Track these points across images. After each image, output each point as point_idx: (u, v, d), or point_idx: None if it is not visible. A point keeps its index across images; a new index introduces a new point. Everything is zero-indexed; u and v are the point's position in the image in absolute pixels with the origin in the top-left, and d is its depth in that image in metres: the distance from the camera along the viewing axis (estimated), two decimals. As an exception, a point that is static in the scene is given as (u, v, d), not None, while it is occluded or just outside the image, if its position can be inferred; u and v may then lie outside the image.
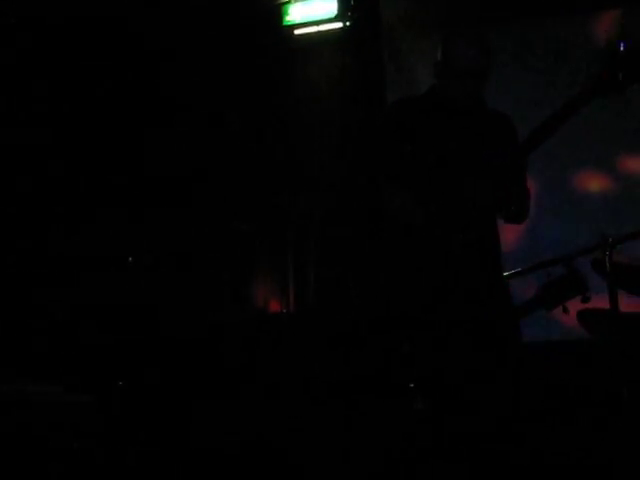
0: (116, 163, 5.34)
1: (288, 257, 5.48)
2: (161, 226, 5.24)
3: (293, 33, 5.67)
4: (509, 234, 3.74)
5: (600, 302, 3.87)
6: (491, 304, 3.14)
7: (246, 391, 4.57)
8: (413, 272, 3.16)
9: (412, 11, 5.45)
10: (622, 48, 2.88)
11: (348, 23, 5.49)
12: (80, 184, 5.25)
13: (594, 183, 5.04)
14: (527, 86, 5.07)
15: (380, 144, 3.33)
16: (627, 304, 3.81)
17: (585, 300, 3.96)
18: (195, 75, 5.57)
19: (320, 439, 4.34)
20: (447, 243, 3.08)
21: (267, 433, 4.36)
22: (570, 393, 3.93)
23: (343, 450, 4.17)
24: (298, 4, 5.60)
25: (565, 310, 3.98)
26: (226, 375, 4.64)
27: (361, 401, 4.46)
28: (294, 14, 5.63)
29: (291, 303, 5.37)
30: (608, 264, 3.67)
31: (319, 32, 5.63)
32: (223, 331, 4.84)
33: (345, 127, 5.52)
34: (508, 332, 3.17)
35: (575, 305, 3.99)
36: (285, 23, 5.66)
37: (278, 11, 5.65)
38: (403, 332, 3.28)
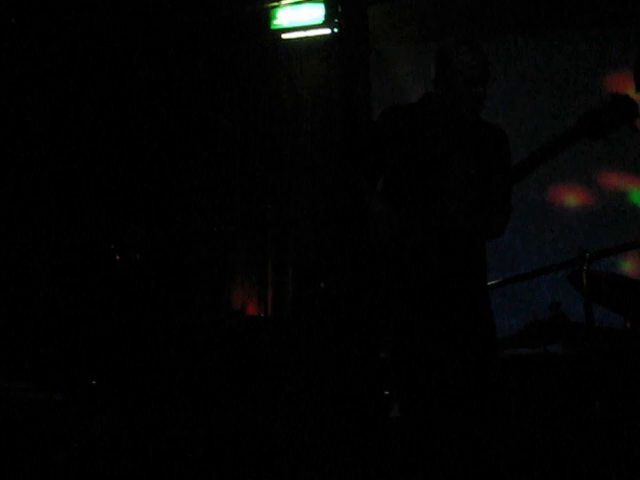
0: (99, 162, 5.32)
1: (267, 260, 5.48)
2: (141, 226, 5.22)
3: (280, 37, 5.67)
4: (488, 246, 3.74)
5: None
6: (468, 315, 3.16)
7: (222, 393, 4.57)
8: (390, 279, 3.17)
9: (399, 20, 5.47)
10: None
11: (335, 30, 5.50)
12: (60, 183, 5.23)
13: (572, 197, 5.08)
14: (510, 101, 5.10)
15: (368, 150, 3.35)
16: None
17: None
18: (181, 77, 5.57)
19: (296, 441, 4.35)
20: (423, 254, 3.11)
21: (243, 434, 4.37)
22: (544, 405, 3.96)
23: (318, 453, 4.19)
24: (286, 9, 5.61)
25: (546, 351, 4.00)
26: (203, 377, 4.63)
27: (337, 406, 4.48)
28: (282, 18, 5.63)
29: (269, 306, 5.37)
30: (585, 279, 3.69)
31: (306, 37, 5.63)
32: (200, 333, 4.83)
33: (329, 132, 5.54)
34: (485, 343, 3.19)
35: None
36: (273, 27, 5.66)
37: (266, 15, 5.65)
38: (380, 339, 3.29)
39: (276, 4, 5.61)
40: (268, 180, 5.60)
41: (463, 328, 3.14)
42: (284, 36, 5.67)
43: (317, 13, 5.52)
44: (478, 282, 3.24)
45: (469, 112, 3.15)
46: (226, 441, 4.33)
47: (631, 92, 3.11)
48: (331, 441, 4.32)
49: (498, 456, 3.14)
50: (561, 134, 3.01)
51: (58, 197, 5.17)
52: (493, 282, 3.97)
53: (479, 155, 3.17)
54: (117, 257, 4.94)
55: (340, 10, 5.45)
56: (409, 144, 3.21)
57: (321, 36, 5.59)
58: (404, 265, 3.14)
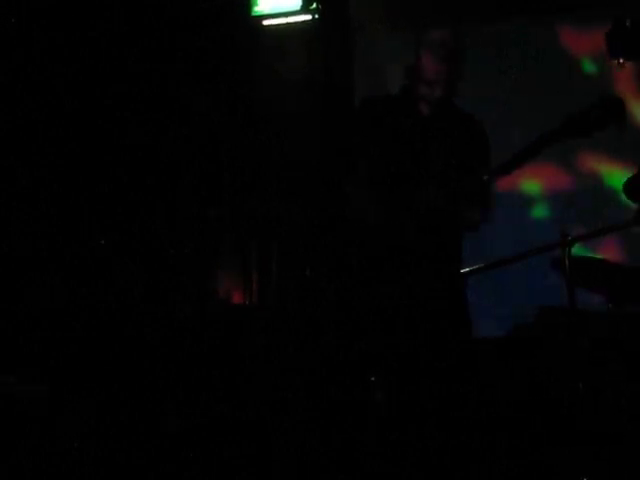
0: (82, 153, 5.30)
1: (252, 248, 5.48)
2: (124, 214, 5.22)
3: (261, 24, 5.65)
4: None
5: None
6: (443, 303, 3.18)
7: (207, 382, 4.58)
8: (367, 268, 3.19)
9: (383, 7, 5.46)
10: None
11: (316, 16, 5.49)
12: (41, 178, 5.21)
13: (553, 180, 5.09)
14: (499, 87, 5.10)
15: (345, 142, 3.36)
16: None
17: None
18: (161, 66, 5.55)
19: (283, 431, 4.37)
20: (399, 242, 3.12)
21: (229, 424, 4.39)
22: (528, 388, 3.99)
23: (304, 442, 4.21)
24: (267, -5, 5.60)
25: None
26: (187, 366, 4.64)
27: (323, 393, 4.49)
28: (263, 5, 5.61)
29: (254, 294, 5.38)
30: (567, 262, 3.72)
31: (288, 24, 5.62)
32: (184, 322, 4.83)
33: (312, 121, 5.53)
34: (459, 328, 3.21)
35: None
36: (254, 13, 5.65)
37: (247, 1, 5.63)
38: (361, 326, 3.32)
39: (257, -10, 5.60)
40: (251, 167, 5.60)
41: (439, 317, 3.16)
42: (265, 22, 5.65)
43: (296, -1, 5.53)
44: (454, 270, 3.27)
45: (430, 110, 3.17)
46: (214, 430, 4.35)
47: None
48: (319, 428, 4.34)
49: (480, 438, 3.18)
50: (547, 134, 3.03)
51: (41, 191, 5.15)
52: (474, 268, 3.99)
53: (456, 146, 3.19)
54: (100, 248, 4.93)
55: (318, -5, 5.46)
56: (388, 135, 3.23)
57: (302, 22, 5.58)
58: (384, 255, 3.16)
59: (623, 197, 3.68)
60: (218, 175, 5.56)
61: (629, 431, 3.67)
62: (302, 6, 5.49)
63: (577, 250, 3.71)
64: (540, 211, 4.98)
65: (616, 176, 4.70)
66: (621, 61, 3.10)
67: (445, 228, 3.20)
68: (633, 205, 3.77)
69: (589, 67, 5.15)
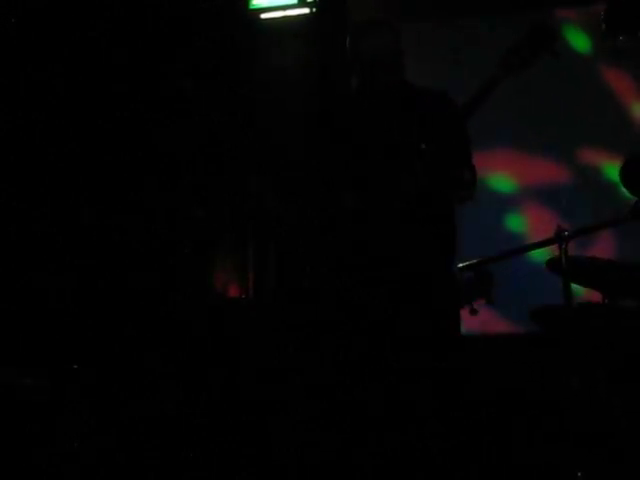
0: (81, 152, 5.30)
1: (248, 242, 5.48)
2: (120, 208, 5.22)
3: (259, 17, 5.65)
4: (464, 225, 3.74)
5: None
6: (430, 289, 3.17)
7: (203, 376, 4.59)
8: (351, 254, 3.19)
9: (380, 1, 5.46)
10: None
11: (314, 10, 5.49)
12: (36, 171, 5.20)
13: (552, 174, 5.09)
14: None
15: (315, 146, 3.40)
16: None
17: (489, 301, 3.98)
18: (159, 59, 5.54)
19: (278, 423, 4.37)
20: (380, 224, 3.12)
21: (225, 419, 4.39)
22: (523, 382, 3.99)
23: (304, 433, 4.21)
24: (265, -12, 5.60)
25: (473, 312, 4.02)
26: (184, 359, 4.64)
27: (318, 386, 4.49)
28: (261, -2, 5.63)
29: (250, 288, 5.38)
30: (563, 257, 3.70)
31: (285, 17, 5.62)
32: (181, 316, 4.84)
33: (308, 114, 5.53)
34: (446, 320, 3.20)
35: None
36: (251, 7, 5.64)
37: (245, -5, 5.63)
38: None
39: (254, -16, 5.59)
40: (248, 161, 5.59)
41: (424, 304, 3.16)
42: (263, 16, 5.65)
43: (293, -7, 5.53)
44: (441, 260, 3.25)
45: (378, 94, 3.19)
46: (211, 423, 4.36)
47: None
48: (316, 421, 4.34)
49: (475, 435, 3.17)
50: (487, 79, 3.07)
51: (36, 184, 5.15)
52: (472, 262, 3.99)
53: (424, 124, 3.18)
54: (98, 242, 4.93)
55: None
56: (350, 131, 3.26)
57: (300, 16, 5.58)
58: (362, 240, 3.16)
59: (620, 191, 3.67)
60: (216, 171, 5.56)
61: (624, 427, 3.67)
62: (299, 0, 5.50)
63: (573, 245, 3.70)
64: (538, 204, 4.96)
65: (613, 170, 4.69)
66: (620, 38, 3.12)
67: (437, 207, 3.19)
68: (630, 200, 3.76)
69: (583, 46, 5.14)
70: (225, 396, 4.52)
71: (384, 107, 3.23)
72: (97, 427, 4.09)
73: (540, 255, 3.94)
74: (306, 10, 5.54)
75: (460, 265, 3.71)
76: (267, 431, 4.35)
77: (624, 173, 3.62)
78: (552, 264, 3.81)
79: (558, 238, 3.74)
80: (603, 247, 4.77)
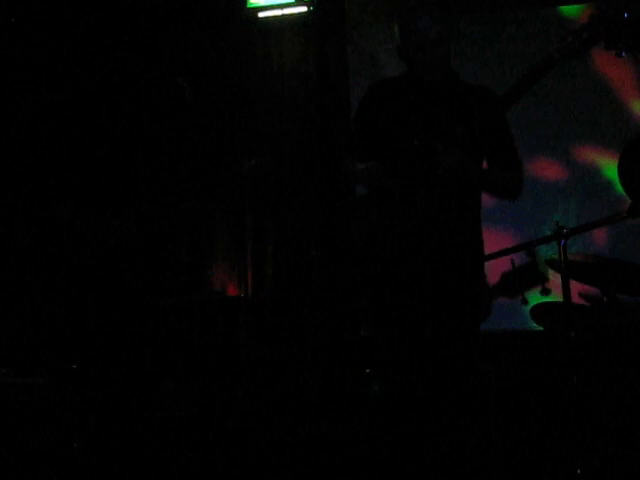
0: (79, 146, 5.29)
1: (247, 239, 5.48)
2: (117, 204, 5.21)
3: (257, 15, 5.65)
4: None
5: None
6: (454, 290, 3.16)
7: (202, 374, 4.58)
8: (378, 228, 3.17)
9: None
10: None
11: (312, 8, 5.50)
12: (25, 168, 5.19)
13: (546, 171, 5.09)
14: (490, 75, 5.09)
15: (353, 125, 3.37)
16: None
17: (544, 292, 4.01)
18: (157, 57, 5.54)
19: (276, 423, 4.37)
20: (413, 200, 3.10)
21: (224, 416, 4.39)
22: (523, 381, 3.99)
23: (300, 434, 4.21)
24: (262, -13, 5.60)
25: (525, 301, 4.03)
26: (183, 357, 4.64)
27: (318, 386, 4.50)
28: (258, -4, 5.62)
29: (249, 286, 5.37)
30: (562, 255, 3.71)
31: (283, 15, 5.62)
32: (180, 314, 4.83)
33: (307, 110, 5.54)
34: (467, 322, 3.19)
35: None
36: (249, 5, 5.64)
37: (242, -7, 5.63)
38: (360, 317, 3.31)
39: (252, -18, 5.59)
40: (246, 157, 5.59)
41: (447, 305, 3.14)
42: (261, 14, 5.65)
43: (291, -9, 5.53)
44: (471, 254, 3.24)
45: (431, 77, 3.18)
46: (210, 421, 4.36)
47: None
48: (313, 420, 4.34)
49: (476, 429, 3.17)
50: (542, 59, 3.08)
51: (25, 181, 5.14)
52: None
53: (461, 115, 3.17)
54: (94, 241, 4.93)
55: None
56: (392, 116, 3.23)
57: (298, 14, 5.58)
58: (393, 213, 3.14)
59: (618, 189, 3.68)
60: (215, 169, 5.56)
61: (624, 423, 3.68)
62: (297, -3, 5.51)
63: (572, 243, 3.71)
64: (534, 201, 4.95)
65: (611, 168, 4.70)
66: (623, 54, 3.12)
67: (464, 195, 3.18)
68: (627, 197, 3.77)
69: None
70: (224, 396, 4.52)
71: (429, 92, 3.21)
72: (97, 427, 4.09)
73: (540, 252, 3.95)
74: (304, 8, 5.54)
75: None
76: (267, 431, 4.35)
77: (621, 172, 3.63)
78: (552, 263, 3.83)
79: (557, 235, 3.76)
80: (600, 245, 4.78)
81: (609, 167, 4.81)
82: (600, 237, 4.79)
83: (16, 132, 5.17)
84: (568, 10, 5.06)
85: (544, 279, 4.07)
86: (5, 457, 3.69)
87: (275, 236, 5.48)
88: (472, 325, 3.20)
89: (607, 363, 3.83)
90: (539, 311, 4.09)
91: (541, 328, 4.15)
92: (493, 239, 4.58)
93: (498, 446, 3.63)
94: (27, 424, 3.81)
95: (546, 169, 5.05)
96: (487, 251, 3.46)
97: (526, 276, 4.08)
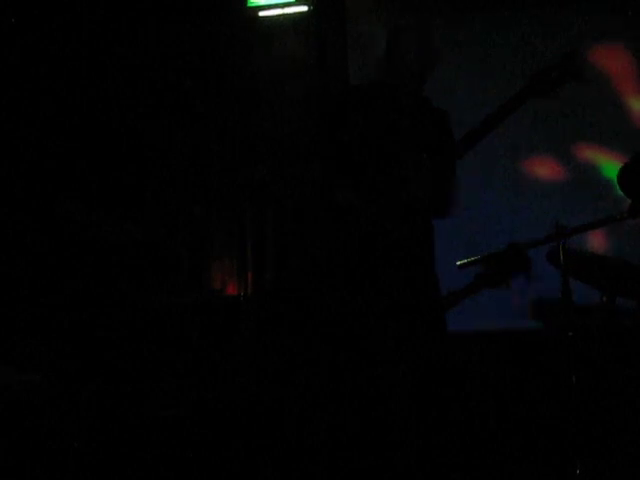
0: (77, 146, 5.30)
1: (246, 239, 5.48)
2: (116, 206, 5.22)
3: (257, 15, 5.65)
4: (463, 222, 3.76)
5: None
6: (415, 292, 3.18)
7: (202, 374, 4.59)
8: (342, 252, 3.20)
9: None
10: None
11: (312, 7, 5.50)
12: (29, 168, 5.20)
13: (546, 170, 5.09)
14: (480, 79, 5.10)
15: (323, 133, 3.39)
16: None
17: (528, 278, 3.98)
18: (157, 56, 5.54)
19: (276, 422, 4.38)
20: (378, 225, 3.13)
21: (224, 416, 4.39)
22: (522, 381, 4.00)
23: (298, 432, 4.21)
24: (263, -14, 5.60)
25: (508, 286, 4.00)
26: (182, 357, 4.64)
27: (318, 385, 4.50)
28: (259, -4, 5.63)
29: (249, 286, 5.38)
30: (562, 254, 3.71)
31: (284, 14, 5.62)
32: (179, 313, 4.83)
33: (308, 110, 5.54)
34: (430, 321, 3.21)
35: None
36: (250, 4, 5.65)
37: (243, -8, 5.63)
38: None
39: (252, -18, 5.59)
40: (246, 157, 5.60)
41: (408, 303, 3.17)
42: (261, 14, 5.65)
43: (291, -10, 5.53)
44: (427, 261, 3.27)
45: (410, 97, 3.20)
46: (210, 421, 4.36)
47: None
48: (311, 418, 4.35)
49: (473, 431, 3.18)
50: (513, 95, 3.09)
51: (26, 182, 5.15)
52: (471, 259, 3.98)
53: (426, 136, 3.20)
54: (94, 241, 4.93)
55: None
56: (361, 126, 3.25)
57: (298, 13, 5.59)
58: (357, 238, 3.17)
59: (618, 189, 3.68)
60: (215, 168, 5.56)
61: (622, 423, 3.68)
62: (297, -4, 5.52)
63: (572, 242, 3.71)
64: (534, 201, 4.96)
65: (611, 168, 4.69)
66: None
67: (421, 217, 3.23)
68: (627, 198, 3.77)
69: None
70: (224, 396, 4.52)
71: (400, 108, 3.22)
72: (97, 427, 4.09)
73: (539, 252, 3.94)
74: (304, 7, 5.55)
75: (458, 263, 3.71)
76: (266, 431, 4.35)
77: (621, 178, 3.63)
78: (552, 257, 3.82)
79: (558, 235, 3.75)
80: (600, 245, 4.78)
81: (609, 167, 4.81)
82: (600, 237, 4.79)
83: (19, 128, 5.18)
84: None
85: (528, 266, 4.03)
86: (5, 457, 3.69)
87: (275, 236, 5.49)
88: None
89: (607, 363, 3.82)
90: (538, 310, 4.09)
91: (539, 326, 4.15)
92: (493, 239, 4.59)
93: (496, 448, 3.64)
94: (27, 424, 3.82)
95: (546, 169, 5.05)
96: (487, 251, 3.47)
97: (508, 262, 4.02)
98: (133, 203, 5.31)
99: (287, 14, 5.61)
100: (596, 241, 4.80)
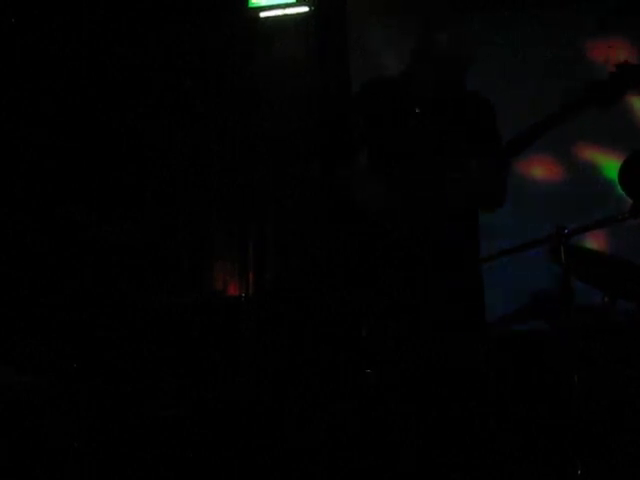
0: (77, 147, 5.29)
1: (247, 239, 5.48)
2: (117, 206, 5.22)
3: (259, 16, 5.66)
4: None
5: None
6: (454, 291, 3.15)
7: (203, 374, 4.58)
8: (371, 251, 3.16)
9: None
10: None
11: (313, 7, 5.51)
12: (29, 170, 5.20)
13: (546, 170, 5.09)
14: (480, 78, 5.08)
15: (346, 126, 3.34)
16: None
17: None
18: (158, 57, 5.55)
19: (277, 422, 4.37)
20: (415, 227, 3.09)
21: (224, 416, 4.39)
22: (522, 381, 3.99)
23: (298, 432, 4.21)
24: (264, -13, 5.61)
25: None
26: (183, 357, 4.64)
27: (318, 386, 4.49)
28: (260, -4, 5.63)
29: (250, 286, 5.38)
30: (563, 255, 3.70)
31: (285, 15, 5.63)
32: (179, 313, 4.83)
33: (309, 110, 5.54)
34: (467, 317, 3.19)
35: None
36: (251, 5, 5.65)
37: (244, -7, 5.64)
38: (360, 315, 3.30)
39: (253, -18, 5.60)
40: (247, 156, 5.60)
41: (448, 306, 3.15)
42: (262, 14, 5.66)
43: (292, -9, 5.54)
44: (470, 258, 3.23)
45: (435, 93, 3.14)
46: (210, 421, 4.36)
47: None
48: (313, 419, 4.34)
49: (475, 431, 3.18)
50: (569, 103, 3.05)
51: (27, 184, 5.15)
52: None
53: (467, 127, 3.15)
54: (94, 241, 4.93)
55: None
56: (386, 122, 3.19)
57: (299, 14, 5.59)
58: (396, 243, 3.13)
59: (618, 189, 3.67)
60: (215, 169, 5.56)
61: (624, 423, 3.67)
62: (298, -4, 5.52)
63: (573, 243, 3.70)
64: (533, 201, 4.95)
65: (613, 168, 4.68)
66: None
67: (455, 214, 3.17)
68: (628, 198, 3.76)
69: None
70: (225, 396, 4.51)
71: (437, 106, 3.16)
72: (97, 427, 4.09)
73: (539, 252, 3.93)
74: (305, 8, 5.56)
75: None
76: (266, 431, 4.35)
77: (621, 175, 3.62)
78: (553, 256, 3.82)
79: (558, 236, 3.74)
80: (601, 245, 4.78)
81: (609, 167, 4.81)
82: (600, 237, 4.79)
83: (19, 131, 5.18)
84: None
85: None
86: (5, 457, 3.69)
87: (276, 235, 5.49)
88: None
89: (607, 363, 3.82)
90: (538, 309, 4.09)
91: (539, 326, 4.15)
92: (493, 239, 4.58)
93: (497, 448, 3.63)
94: (27, 424, 3.82)
95: (546, 169, 5.05)
96: (487, 252, 3.46)
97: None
98: (133, 203, 5.31)
99: (288, 15, 5.62)
100: (598, 242, 4.79)
